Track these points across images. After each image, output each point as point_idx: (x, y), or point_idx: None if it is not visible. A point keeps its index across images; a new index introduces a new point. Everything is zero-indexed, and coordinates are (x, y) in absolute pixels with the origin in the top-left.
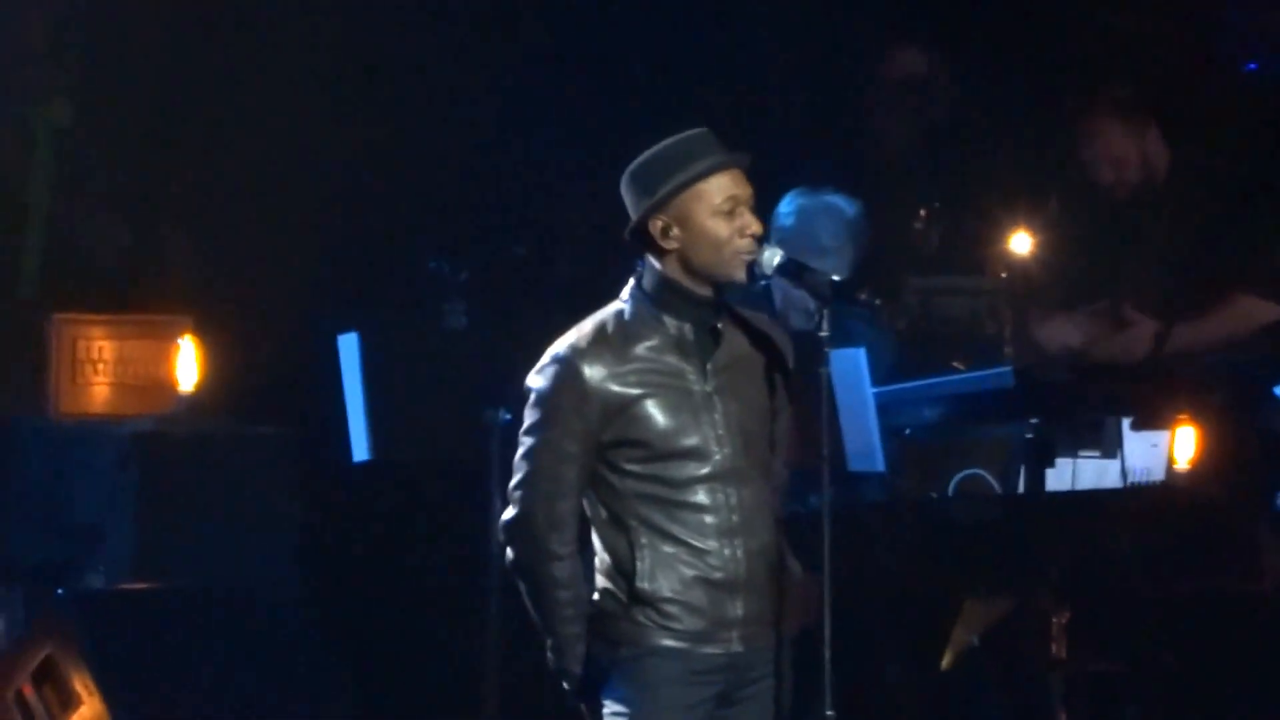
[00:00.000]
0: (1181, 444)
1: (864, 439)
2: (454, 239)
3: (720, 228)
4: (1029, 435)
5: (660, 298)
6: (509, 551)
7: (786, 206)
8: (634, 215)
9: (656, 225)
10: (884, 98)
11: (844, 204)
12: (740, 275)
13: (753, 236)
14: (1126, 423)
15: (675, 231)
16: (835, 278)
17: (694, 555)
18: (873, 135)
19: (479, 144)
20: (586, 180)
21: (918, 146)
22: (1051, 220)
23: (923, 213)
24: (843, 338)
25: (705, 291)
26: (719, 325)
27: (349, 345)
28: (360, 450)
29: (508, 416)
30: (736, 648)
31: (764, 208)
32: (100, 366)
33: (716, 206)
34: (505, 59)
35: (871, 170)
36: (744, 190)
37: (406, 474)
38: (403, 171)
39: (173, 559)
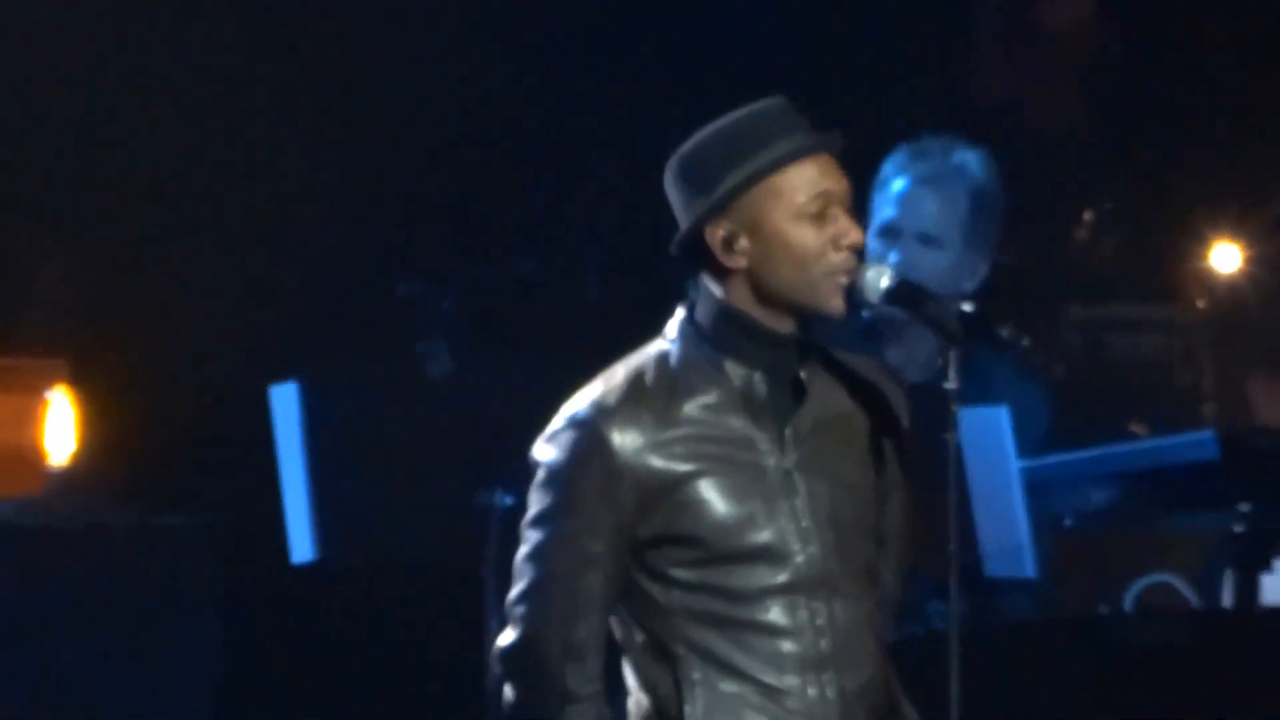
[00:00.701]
0: None
1: (1007, 532)
2: (434, 254)
3: (807, 237)
4: (1238, 528)
5: (721, 336)
6: (508, 690)
7: (891, 160)
8: (684, 221)
9: (716, 235)
10: (1035, 53)
11: (973, 161)
12: (835, 305)
13: (852, 248)
14: None
15: (742, 243)
16: (967, 307)
17: (766, 697)
18: (1013, 107)
19: (465, 124)
20: (619, 171)
21: (1081, 124)
22: (1272, 229)
23: (1088, 216)
24: (979, 391)
25: (785, 327)
26: (803, 375)
27: (285, 400)
28: (302, 548)
29: (508, 500)
30: None
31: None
32: None
33: (800, 207)
34: (498, 20)
35: (1011, 155)
36: (838, 184)
37: (366, 582)
38: (360, 164)
39: (46, 696)
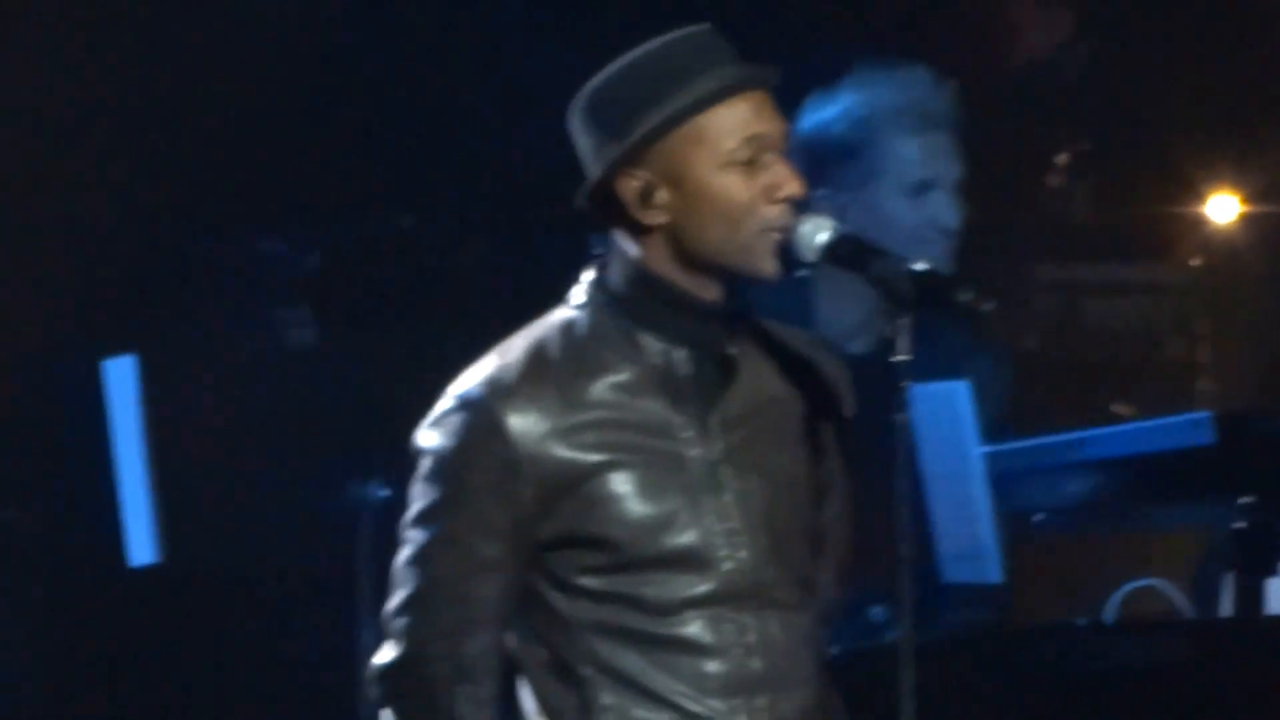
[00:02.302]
0: None
1: (968, 530)
2: (295, 205)
3: (735, 188)
4: (1238, 524)
5: (637, 304)
6: (386, 716)
7: (818, 106)
8: (593, 169)
9: (631, 186)
10: None
11: (934, 90)
12: (768, 267)
13: (788, 200)
14: None
15: (661, 195)
16: (919, 266)
17: None
18: (982, 31)
19: (329, 55)
20: (511, 111)
21: (1056, 53)
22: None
23: (1062, 159)
24: (934, 364)
25: (710, 293)
26: (732, 351)
27: (120, 376)
28: (141, 549)
29: (384, 493)
30: None
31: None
32: None
33: (729, 154)
34: None
35: (973, 87)
36: (773, 126)
37: (217, 588)
38: (203, 100)
39: None
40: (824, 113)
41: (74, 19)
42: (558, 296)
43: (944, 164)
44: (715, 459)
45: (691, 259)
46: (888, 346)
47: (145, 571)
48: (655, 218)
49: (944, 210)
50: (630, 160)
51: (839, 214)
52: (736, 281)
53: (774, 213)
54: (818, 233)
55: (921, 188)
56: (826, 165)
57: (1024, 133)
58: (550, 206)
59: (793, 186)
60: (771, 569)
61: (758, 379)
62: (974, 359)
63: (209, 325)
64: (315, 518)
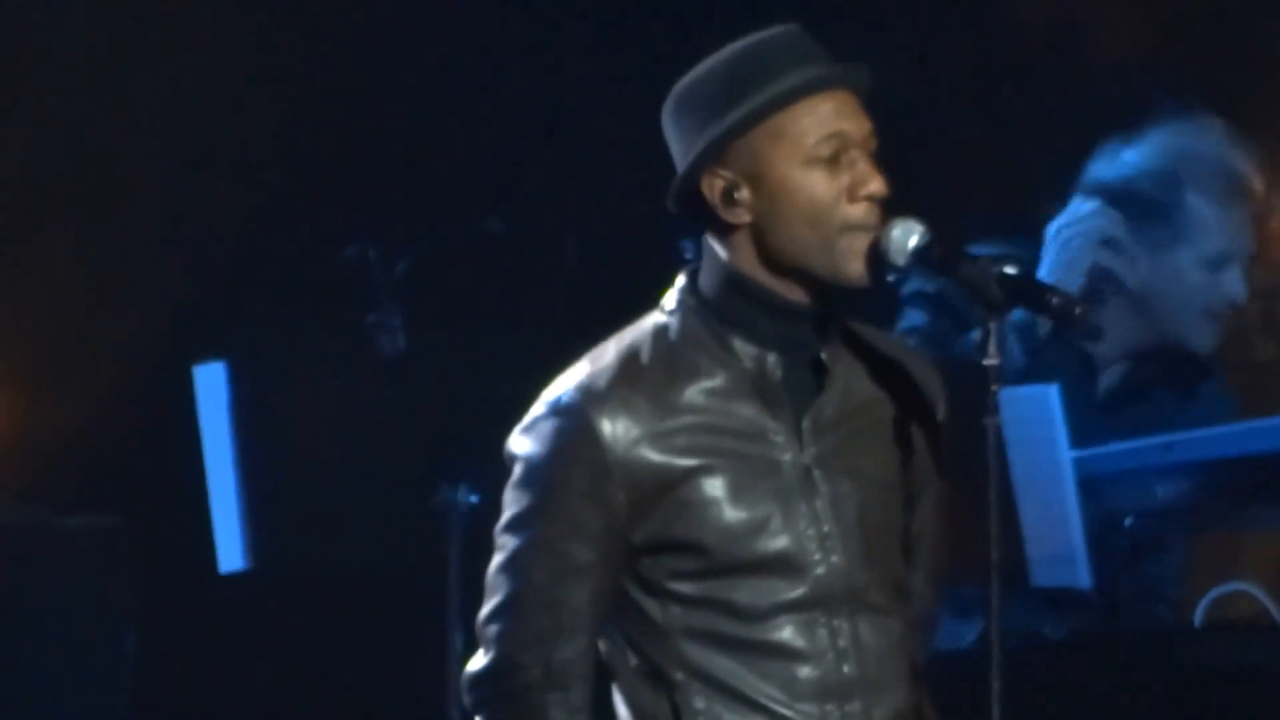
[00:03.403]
0: None
1: (1059, 533)
2: (386, 211)
3: (816, 185)
4: None
5: (729, 308)
6: None
7: (1131, 155)
8: (679, 164)
9: (715, 184)
10: None
11: (1228, 143)
12: (854, 270)
13: (870, 198)
14: None
15: (744, 194)
16: (1009, 269)
17: None
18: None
19: (424, 61)
20: (604, 115)
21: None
22: None
23: None
24: (1026, 367)
25: (800, 297)
26: (824, 355)
27: (211, 382)
28: (231, 555)
29: (473, 499)
30: None
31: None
32: None
33: (809, 151)
34: None
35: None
36: (857, 125)
37: (306, 595)
38: (299, 107)
39: None
40: (1126, 161)
41: (166, 27)
42: (651, 301)
43: (1244, 238)
44: (808, 463)
45: (776, 260)
46: (980, 351)
47: (235, 577)
48: (739, 217)
49: (1238, 286)
50: (714, 158)
51: (1129, 267)
52: (826, 287)
53: (857, 211)
54: (909, 236)
55: (1221, 260)
56: (1127, 218)
57: (1107, 115)
58: (643, 209)
59: (876, 185)
60: (864, 573)
61: (850, 382)
62: (1078, 363)
63: (299, 331)
64: (405, 524)
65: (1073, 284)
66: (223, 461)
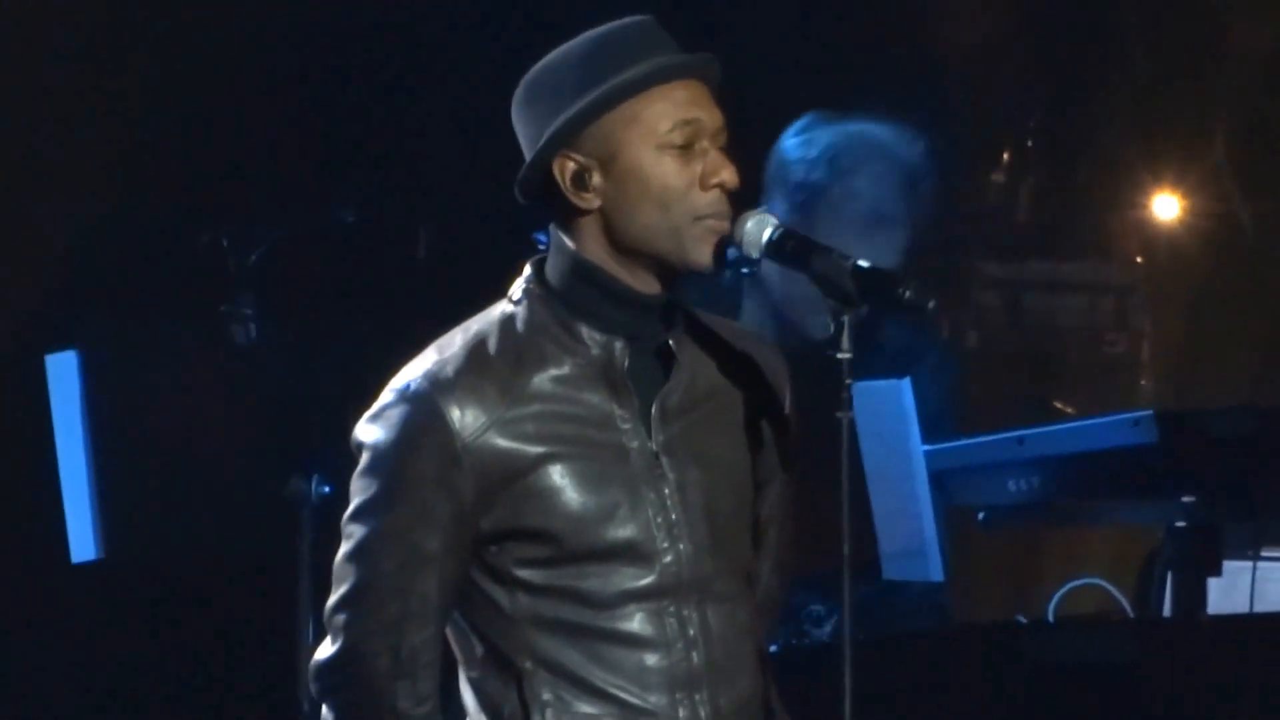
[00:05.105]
0: None
1: (909, 527)
2: (239, 200)
3: (667, 171)
4: (1180, 523)
5: (576, 296)
6: (326, 711)
7: (801, 144)
8: (528, 152)
9: (566, 169)
10: None
11: (899, 142)
12: (704, 258)
13: (722, 188)
14: None
15: (595, 179)
16: (862, 263)
17: (628, 718)
18: (930, 30)
19: (273, 46)
20: (455, 104)
21: (993, 50)
22: (1219, 171)
23: (1005, 158)
24: (876, 361)
25: (648, 286)
26: (672, 343)
27: (63, 371)
28: (84, 545)
29: (326, 490)
30: None
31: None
32: None
33: (662, 137)
34: None
35: (921, 88)
36: (709, 115)
37: (159, 584)
38: (149, 89)
39: None
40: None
41: (13, 16)
42: (500, 291)
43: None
44: (656, 450)
45: (625, 246)
46: (832, 343)
47: (87, 567)
48: (589, 202)
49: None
50: (567, 142)
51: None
52: (674, 275)
53: (706, 199)
54: (763, 229)
55: (875, 222)
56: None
57: (967, 129)
58: (495, 201)
59: (728, 175)
60: (711, 561)
61: (697, 370)
62: (920, 356)
63: (152, 320)
64: (257, 514)
65: None
66: (75, 451)
